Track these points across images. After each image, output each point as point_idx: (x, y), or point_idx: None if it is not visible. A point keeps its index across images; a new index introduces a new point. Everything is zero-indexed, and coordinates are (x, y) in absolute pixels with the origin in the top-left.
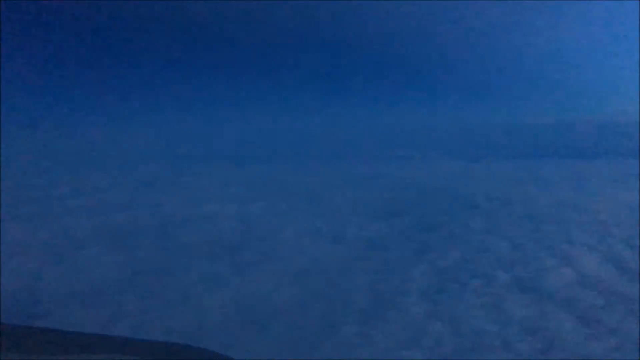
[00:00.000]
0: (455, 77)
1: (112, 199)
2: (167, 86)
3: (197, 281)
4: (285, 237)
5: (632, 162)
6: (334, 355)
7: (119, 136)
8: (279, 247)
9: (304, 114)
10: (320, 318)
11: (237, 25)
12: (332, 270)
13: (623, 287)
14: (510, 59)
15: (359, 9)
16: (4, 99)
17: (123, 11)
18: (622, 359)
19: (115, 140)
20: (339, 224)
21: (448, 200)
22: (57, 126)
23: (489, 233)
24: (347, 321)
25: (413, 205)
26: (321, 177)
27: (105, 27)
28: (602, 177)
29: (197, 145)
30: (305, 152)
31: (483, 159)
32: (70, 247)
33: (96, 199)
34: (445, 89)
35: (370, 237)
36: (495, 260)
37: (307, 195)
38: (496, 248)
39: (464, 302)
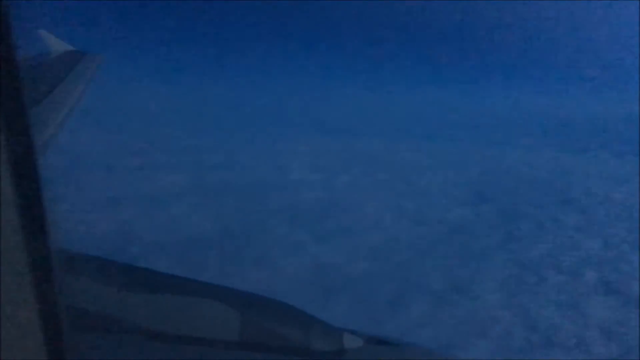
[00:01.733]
0: (553, 58)
1: (205, 159)
2: (233, 47)
3: (276, 245)
4: (367, 212)
5: None
6: (396, 332)
7: (198, 95)
8: (360, 221)
9: (394, 88)
10: (389, 294)
11: None
12: (410, 249)
13: None
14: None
15: None
16: None
17: None
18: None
19: (198, 100)
20: (423, 204)
21: (541, 192)
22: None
23: (580, 230)
24: (416, 300)
25: (503, 194)
26: (410, 154)
27: None
28: None
29: (281, 111)
30: (396, 127)
31: (589, 152)
32: (161, 202)
33: (190, 158)
34: (546, 69)
35: (454, 221)
36: (583, 258)
37: (394, 172)
38: (586, 246)
39: (542, 297)
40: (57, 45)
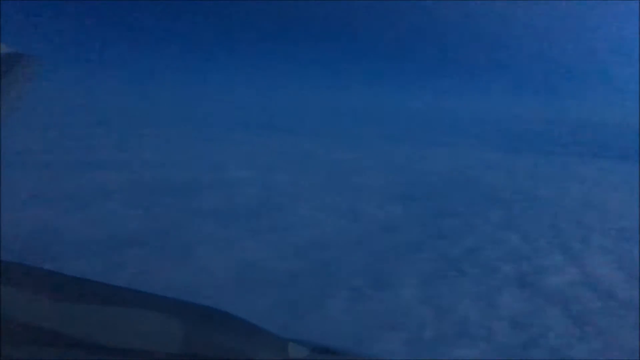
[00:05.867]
0: (507, 66)
1: (141, 157)
2: (179, 49)
3: (203, 242)
4: (300, 210)
5: None
6: (311, 325)
7: (145, 96)
8: (293, 218)
9: (339, 88)
10: (311, 290)
11: None
12: (338, 245)
13: (627, 292)
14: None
15: None
16: None
17: None
18: (622, 359)
19: (144, 100)
20: (358, 202)
21: (473, 191)
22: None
23: (504, 227)
24: (336, 296)
25: (436, 193)
26: (350, 154)
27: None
28: None
29: (222, 111)
30: (337, 127)
31: (523, 152)
32: (90, 200)
33: (127, 155)
34: (497, 76)
35: (385, 218)
36: (503, 253)
37: (331, 172)
38: (507, 241)
39: (460, 291)
40: None
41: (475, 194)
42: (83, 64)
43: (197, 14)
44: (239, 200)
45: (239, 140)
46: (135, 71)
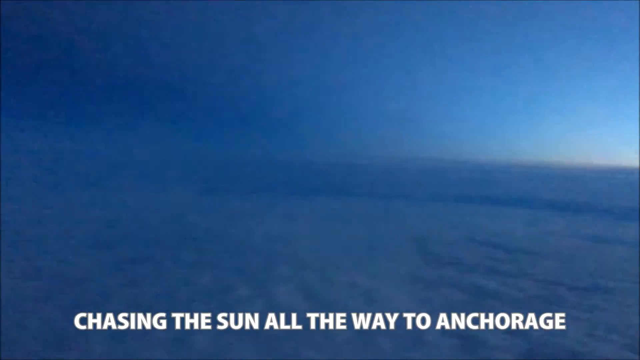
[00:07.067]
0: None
1: None
2: None
3: None
4: None
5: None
6: None
7: None
8: None
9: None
10: None
11: None
12: (17, 306)
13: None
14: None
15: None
16: None
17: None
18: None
19: None
20: (36, 257)
21: (164, 232)
22: None
23: (195, 266)
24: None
25: (126, 237)
26: (31, 205)
27: None
28: (325, 213)
29: None
30: (19, 178)
31: (216, 192)
32: None
33: None
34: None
35: (70, 270)
36: (194, 292)
37: (14, 226)
38: (198, 281)
39: (149, 339)
40: None
41: (164, 234)
42: None
43: None
44: None
45: None
46: None
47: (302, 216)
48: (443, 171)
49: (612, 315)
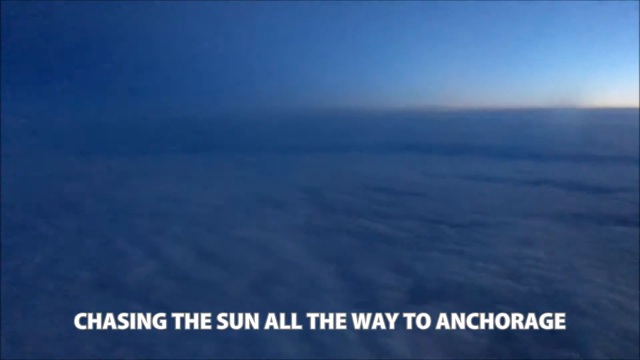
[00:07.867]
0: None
1: None
2: None
3: None
4: None
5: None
6: None
7: None
8: None
9: None
10: None
11: None
12: None
13: (200, 274)
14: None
15: None
16: None
17: None
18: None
19: None
20: None
21: (42, 199)
22: None
23: (79, 233)
24: None
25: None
26: None
27: None
28: (212, 170)
29: None
30: None
31: (97, 155)
32: None
33: None
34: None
35: None
36: (81, 260)
37: None
38: (83, 247)
39: (34, 311)
40: None
41: (46, 202)
42: None
43: None
44: None
45: None
46: None
47: (190, 174)
48: (322, 121)
49: (490, 248)
